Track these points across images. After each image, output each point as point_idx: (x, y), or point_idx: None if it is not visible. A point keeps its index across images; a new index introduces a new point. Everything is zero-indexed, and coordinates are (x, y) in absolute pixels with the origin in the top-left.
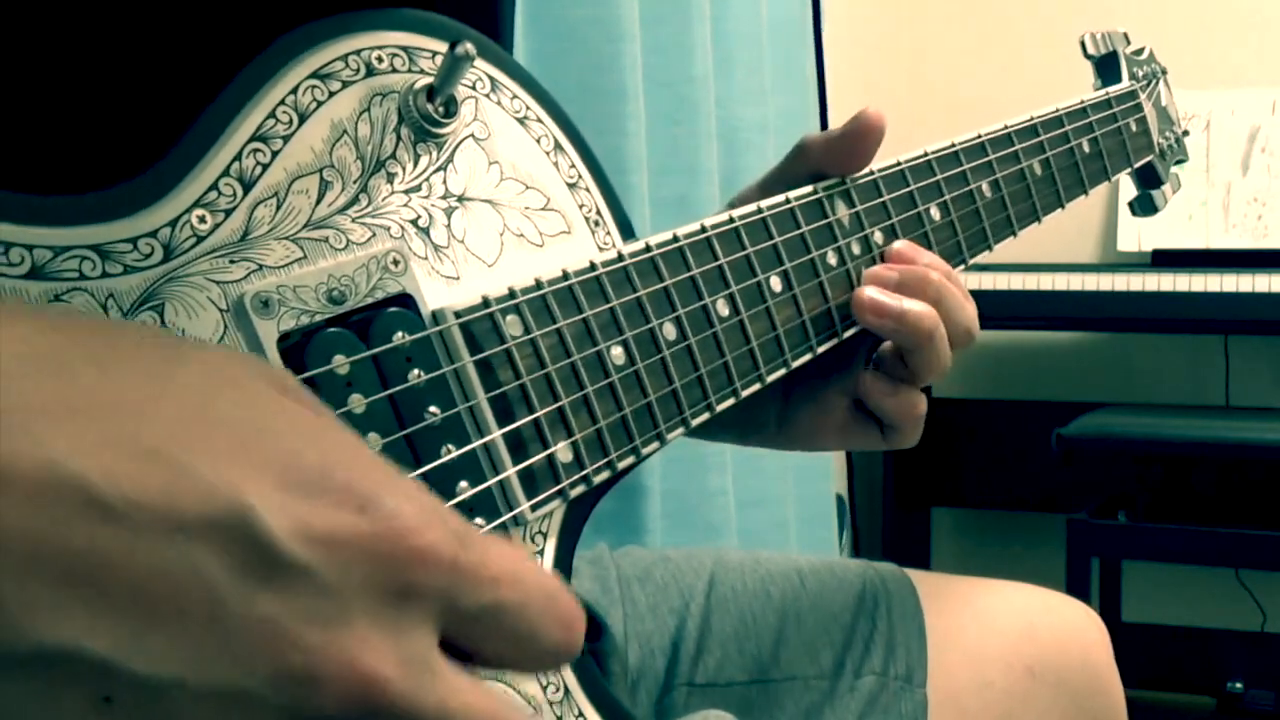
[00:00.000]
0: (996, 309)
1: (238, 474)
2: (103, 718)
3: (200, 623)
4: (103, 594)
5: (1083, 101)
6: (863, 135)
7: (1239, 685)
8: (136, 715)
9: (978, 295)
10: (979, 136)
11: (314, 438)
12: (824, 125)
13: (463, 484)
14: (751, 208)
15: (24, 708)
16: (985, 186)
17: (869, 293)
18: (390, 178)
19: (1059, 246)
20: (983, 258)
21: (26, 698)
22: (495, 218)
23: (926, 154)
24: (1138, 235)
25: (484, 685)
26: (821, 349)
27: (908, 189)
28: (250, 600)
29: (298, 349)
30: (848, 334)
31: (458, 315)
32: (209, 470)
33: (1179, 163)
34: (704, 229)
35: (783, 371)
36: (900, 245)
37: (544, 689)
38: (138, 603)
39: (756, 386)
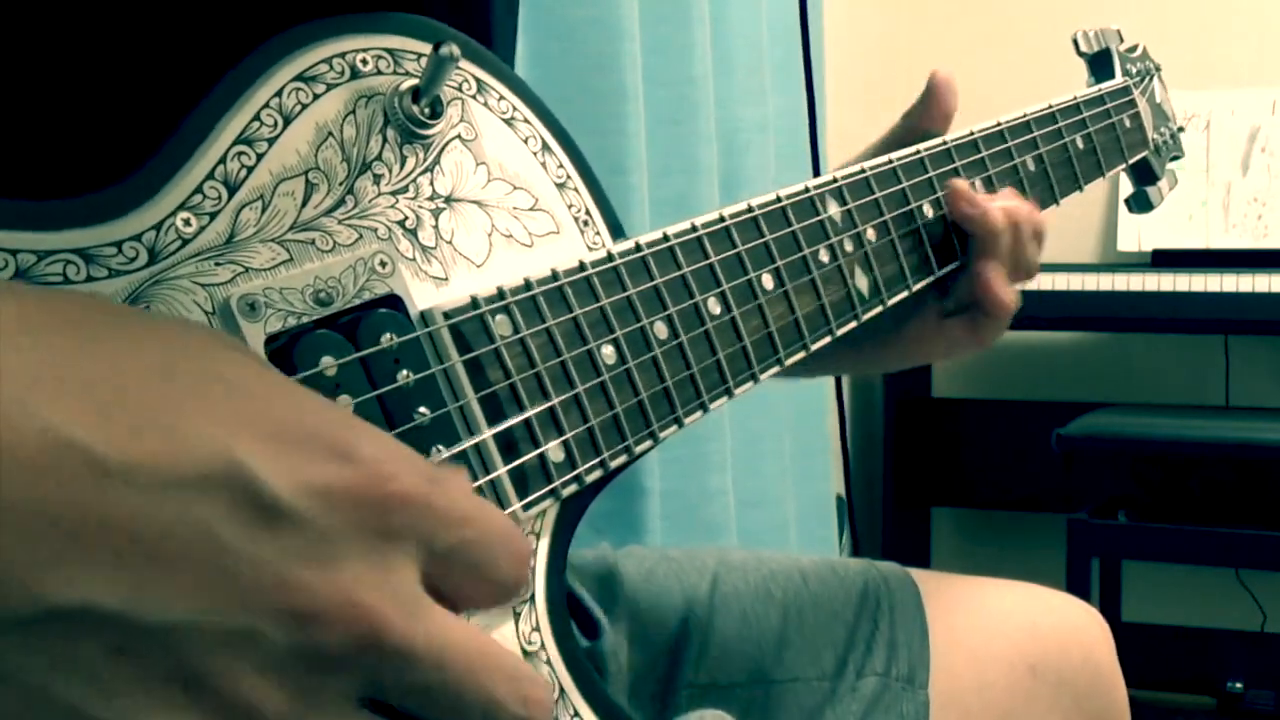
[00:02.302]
0: None
1: (226, 431)
2: (117, 669)
3: (205, 569)
4: (109, 551)
5: (1076, 98)
6: (934, 98)
7: (1239, 685)
8: (149, 663)
9: None
10: (972, 133)
11: (288, 396)
12: (813, 126)
13: None
14: (741, 206)
15: (39, 666)
16: (978, 184)
17: (959, 194)
18: (377, 179)
19: (1059, 246)
20: None
21: (41, 656)
22: (483, 218)
23: (919, 151)
24: (1138, 235)
25: (467, 621)
26: (815, 345)
27: (900, 186)
28: (251, 545)
29: (285, 351)
30: (841, 331)
31: (446, 316)
32: (200, 429)
33: (1175, 159)
34: (694, 228)
35: (776, 369)
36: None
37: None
38: (144, 556)
39: (750, 385)
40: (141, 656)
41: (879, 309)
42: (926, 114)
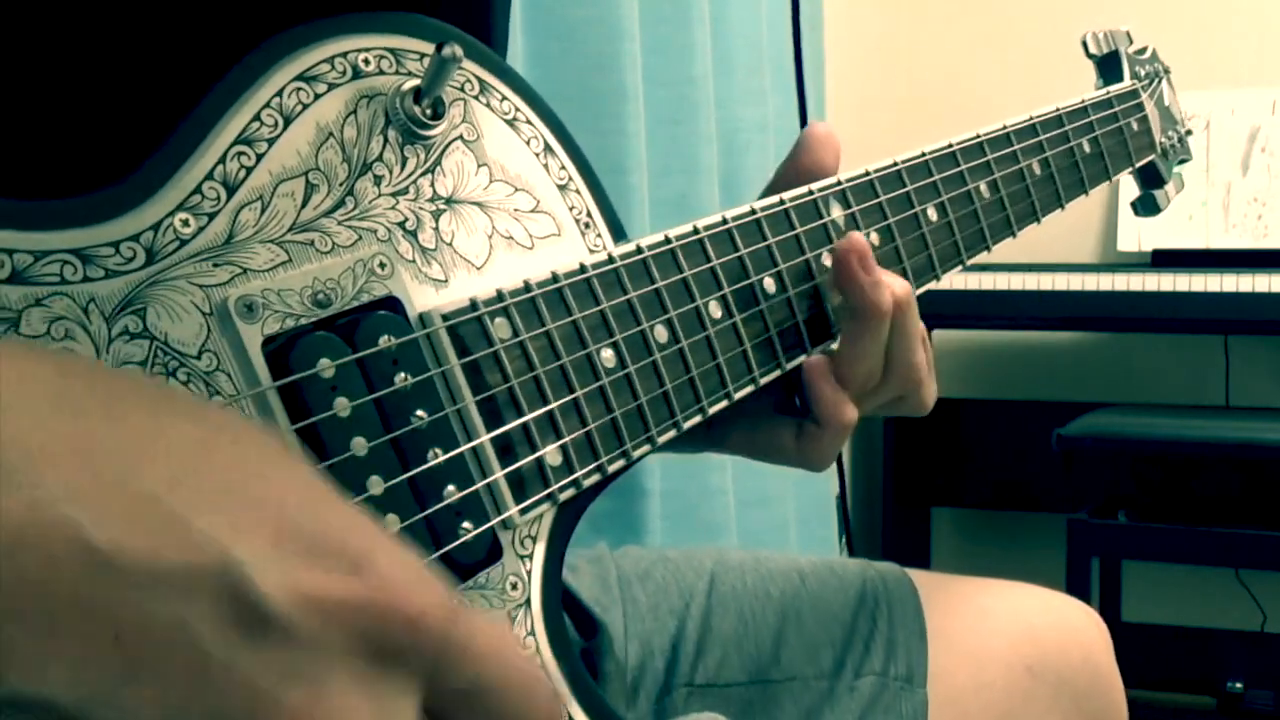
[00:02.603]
0: (996, 309)
1: (230, 528)
2: None
3: (182, 677)
4: (84, 643)
5: (1083, 101)
6: (810, 149)
7: (1239, 685)
8: None
9: (978, 295)
10: (977, 136)
11: (309, 496)
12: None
13: (450, 487)
14: (745, 208)
15: None
16: (983, 187)
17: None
18: (377, 180)
19: (1059, 246)
20: (982, 257)
21: None
22: (484, 220)
23: (924, 154)
24: (1138, 235)
25: None
26: (816, 351)
27: (904, 189)
28: (234, 657)
29: (282, 352)
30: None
31: (445, 318)
32: (202, 522)
33: (1182, 162)
34: (696, 230)
35: (776, 374)
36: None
37: None
38: (119, 653)
39: (749, 389)
40: None
41: None
42: (795, 166)
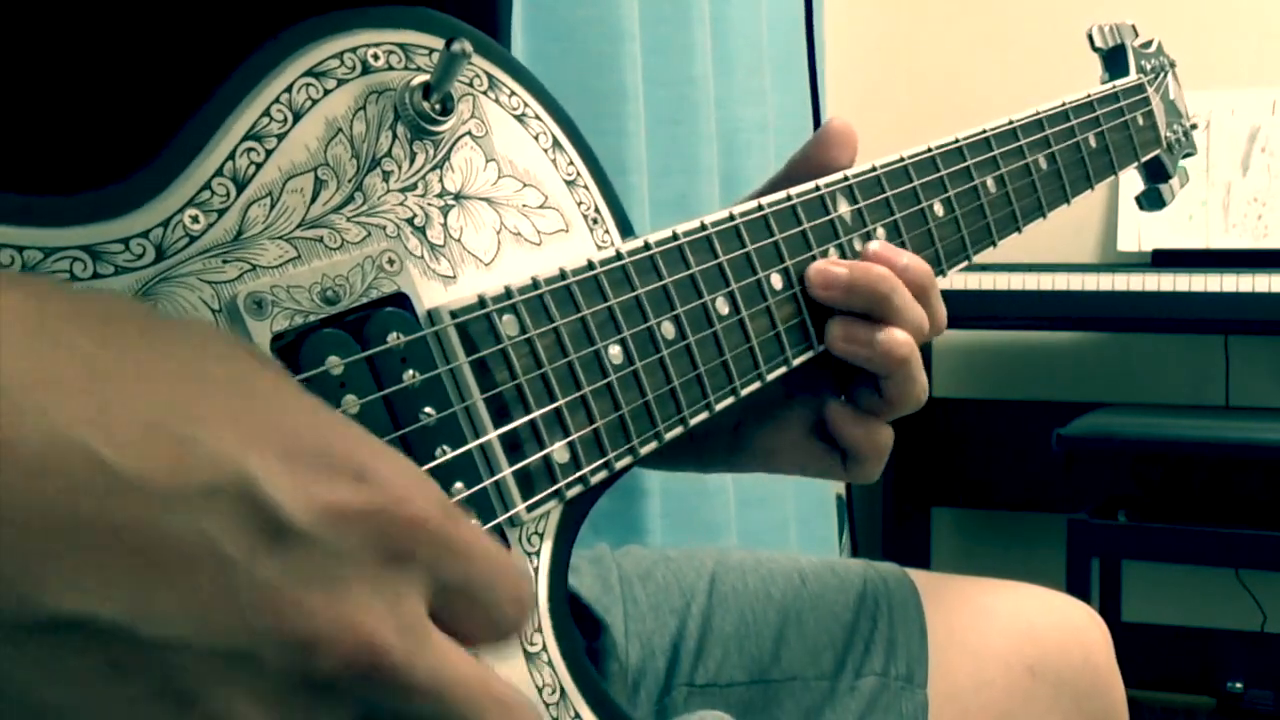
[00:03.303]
0: (996, 309)
1: (239, 444)
2: (109, 683)
3: (208, 585)
4: (112, 561)
5: (1089, 95)
6: (828, 145)
7: (1239, 685)
8: (143, 679)
9: (978, 295)
10: (984, 132)
11: (306, 410)
12: (817, 126)
13: (458, 485)
14: (752, 204)
15: (35, 675)
16: (990, 182)
17: (839, 326)
18: (386, 176)
19: (1059, 246)
20: (983, 257)
21: (38, 665)
22: (492, 216)
23: (930, 149)
24: (1138, 235)
25: (470, 655)
26: (823, 347)
27: (911, 185)
28: (256, 563)
29: (291, 349)
30: None
31: (453, 315)
32: (212, 440)
33: (1187, 155)
34: (704, 226)
35: (783, 370)
36: (877, 247)
37: (540, 690)
38: (147, 567)
39: (756, 385)
40: (135, 673)
41: None
42: (811, 160)
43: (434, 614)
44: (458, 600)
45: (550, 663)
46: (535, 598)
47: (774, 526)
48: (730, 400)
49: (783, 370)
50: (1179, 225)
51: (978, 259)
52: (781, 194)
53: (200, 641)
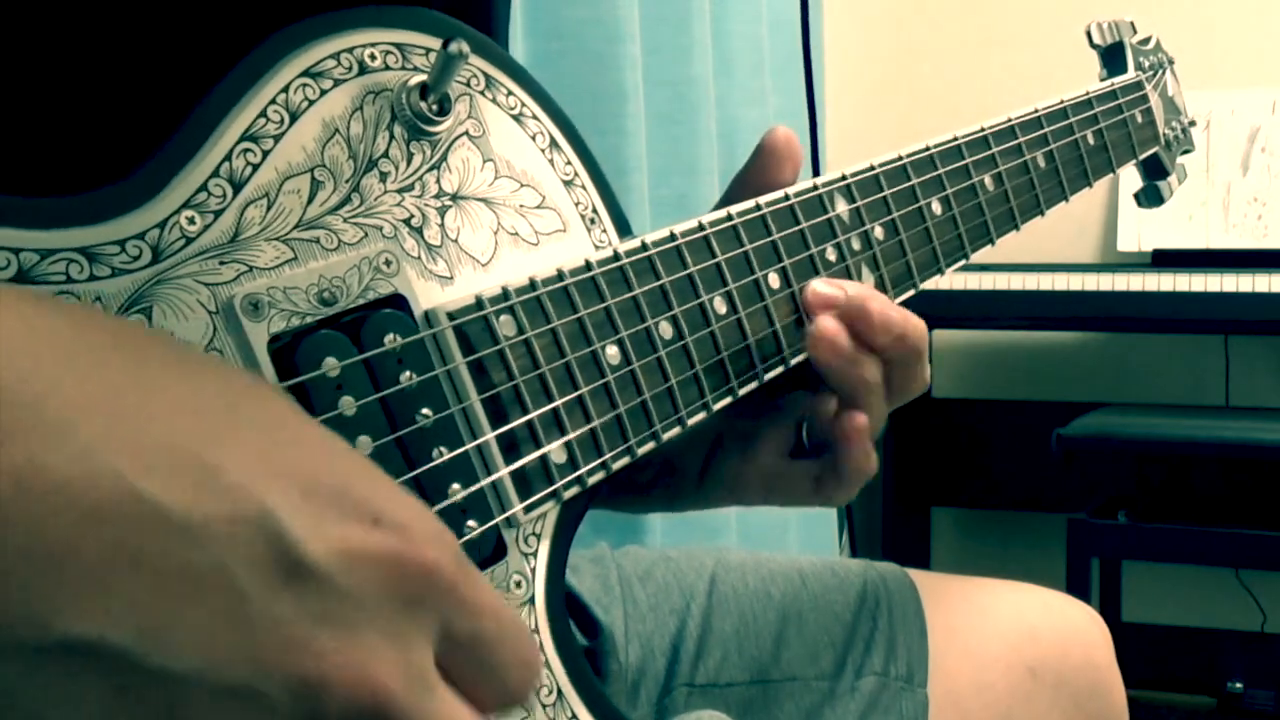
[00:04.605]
0: (996, 309)
1: (263, 479)
2: (115, 708)
3: (221, 618)
4: (127, 586)
5: (1088, 93)
6: (770, 156)
7: (1239, 685)
8: (147, 707)
9: (978, 295)
10: (981, 130)
11: (328, 452)
12: (813, 126)
13: (455, 486)
14: (750, 204)
15: (43, 695)
16: (988, 180)
17: (827, 323)
18: (383, 177)
19: (1059, 246)
20: (983, 256)
21: (46, 685)
22: (490, 216)
23: (928, 148)
24: (1137, 235)
25: (472, 709)
26: None
27: (909, 183)
28: (271, 599)
29: (288, 351)
30: None
31: (450, 316)
32: (237, 474)
33: (1185, 152)
34: (701, 226)
35: (780, 369)
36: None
37: (536, 691)
38: (161, 594)
39: (753, 385)
40: (140, 699)
41: None
42: (758, 175)
43: (441, 666)
44: (464, 655)
45: (547, 663)
46: (545, 662)
47: (774, 526)
48: (728, 400)
49: (779, 370)
50: (1179, 225)
51: (976, 258)
52: (779, 193)
53: (208, 673)
